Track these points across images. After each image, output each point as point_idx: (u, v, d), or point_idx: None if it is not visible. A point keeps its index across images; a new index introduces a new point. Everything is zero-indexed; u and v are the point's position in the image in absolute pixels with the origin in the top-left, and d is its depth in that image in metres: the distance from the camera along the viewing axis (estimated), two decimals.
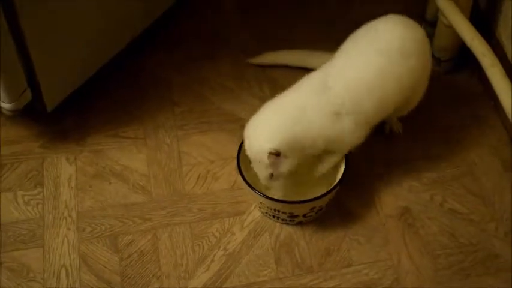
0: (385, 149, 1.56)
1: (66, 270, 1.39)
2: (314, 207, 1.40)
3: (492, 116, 1.61)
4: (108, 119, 1.62)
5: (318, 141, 1.35)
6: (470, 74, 1.68)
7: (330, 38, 1.75)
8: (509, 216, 1.45)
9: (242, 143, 1.44)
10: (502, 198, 1.48)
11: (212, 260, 1.40)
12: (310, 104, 1.35)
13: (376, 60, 1.38)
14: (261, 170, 1.36)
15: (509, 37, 1.56)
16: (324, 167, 1.41)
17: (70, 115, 1.61)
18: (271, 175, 1.35)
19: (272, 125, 1.34)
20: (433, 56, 1.68)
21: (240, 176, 1.40)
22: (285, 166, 1.35)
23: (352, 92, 1.35)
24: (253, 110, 1.60)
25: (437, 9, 1.60)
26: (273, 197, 1.37)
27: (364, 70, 1.37)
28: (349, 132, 1.36)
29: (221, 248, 1.42)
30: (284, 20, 1.82)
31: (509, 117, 1.38)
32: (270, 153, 1.31)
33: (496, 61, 1.42)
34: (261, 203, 1.42)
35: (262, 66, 1.70)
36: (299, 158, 1.36)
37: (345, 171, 1.40)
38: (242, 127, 1.55)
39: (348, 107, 1.35)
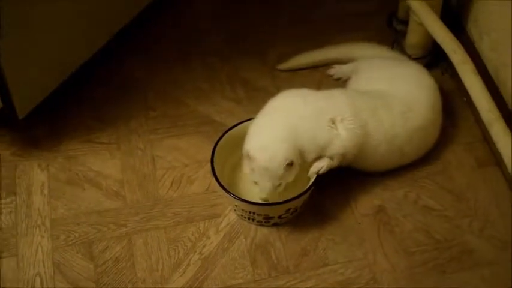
0: None
1: (41, 279, 1.37)
2: (289, 209, 1.40)
3: (465, 113, 1.62)
4: (80, 125, 1.60)
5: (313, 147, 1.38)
6: (442, 71, 1.69)
7: (299, 38, 1.77)
8: (483, 212, 1.46)
9: (216, 145, 1.44)
10: (476, 194, 1.48)
11: (188, 264, 1.39)
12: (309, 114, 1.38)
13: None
14: (267, 182, 1.35)
15: (481, 34, 1.57)
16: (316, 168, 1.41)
17: (42, 122, 1.60)
18: (279, 185, 1.36)
19: (284, 138, 1.35)
20: (405, 53, 1.69)
21: (214, 179, 1.39)
22: (293, 175, 1.37)
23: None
24: (227, 112, 1.61)
25: (409, 8, 1.61)
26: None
27: None
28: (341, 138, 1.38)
29: (197, 252, 1.41)
30: (254, 22, 1.81)
31: (480, 112, 1.38)
32: (288, 164, 1.33)
33: (467, 58, 1.43)
34: (236, 205, 1.41)
35: (234, 70, 1.70)
36: (299, 166, 1.38)
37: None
38: (216, 129, 1.56)
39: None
